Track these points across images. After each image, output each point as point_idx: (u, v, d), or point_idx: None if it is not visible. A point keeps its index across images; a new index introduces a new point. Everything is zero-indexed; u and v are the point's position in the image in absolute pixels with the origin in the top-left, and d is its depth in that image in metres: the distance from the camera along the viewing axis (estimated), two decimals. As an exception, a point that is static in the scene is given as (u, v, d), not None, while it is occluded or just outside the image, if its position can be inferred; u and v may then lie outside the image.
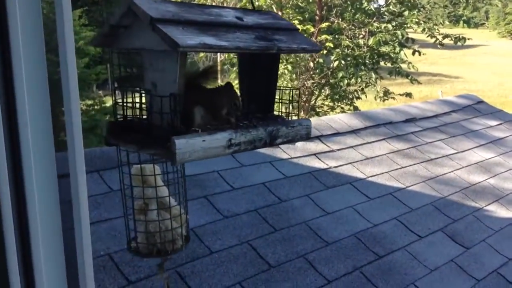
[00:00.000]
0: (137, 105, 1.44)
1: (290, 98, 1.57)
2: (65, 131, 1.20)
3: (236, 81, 1.57)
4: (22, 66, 1.12)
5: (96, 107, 14.43)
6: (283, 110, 1.59)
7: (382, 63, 11.21)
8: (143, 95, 1.42)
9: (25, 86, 1.13)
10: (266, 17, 1.55)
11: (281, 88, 1.61)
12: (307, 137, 1.57)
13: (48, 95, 1.17)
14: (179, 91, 1.28)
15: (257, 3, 10.73)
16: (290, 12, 10.92)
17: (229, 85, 1.46)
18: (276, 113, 1.60)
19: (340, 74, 10.47)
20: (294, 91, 1.60)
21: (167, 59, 1.28)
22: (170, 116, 1.27)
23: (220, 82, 1.50)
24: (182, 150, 1.21)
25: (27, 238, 1.15)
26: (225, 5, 12.25)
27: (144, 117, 1.44)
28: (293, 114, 1.56)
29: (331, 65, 11.08)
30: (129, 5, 1.26)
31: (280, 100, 1.60)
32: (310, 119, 1.89)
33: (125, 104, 1.43)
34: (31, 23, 1.14)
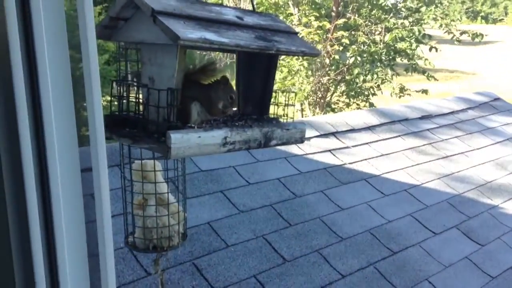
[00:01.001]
0: (133, 99, 1.44)
1: (286, 101, 1.57)
2: (87, 126, 1.24)
3: (234, 81, 1.57)
4: (47, 63, 1.16)
5: (116, 103, 14.50)
6: (277, 112, 1.58)
7: (398, 60, 11.12)
8: (138, 89, 1.42)
9: (49, 82, 1.17)
10: (266, 19, 1.55)
11: (278, 90, 1.60)
12: (301, 141, 1.56)
13: (71, 91, 1.21)
14: (177, 86, 1.28)
15: (273, 0, 10.72)
16: (307, 8, 10.89)
17: (224, 78, 1.46)
18: (272, 115, 1.59)
19: (356, 71, 10.42)
20: (289, 93, 1.59)
21: (166, 54, 1.28)
22: (167, 111, 1.28)
23: (214, 78, 1.50)
24: (177, 145, 1.21)
25: (52, 229, 1.19)
26: (241, 3, 12.24)
27: (139, 111, 1.45)
28: (287, 117, 1.55)
29: (347, 62, 11.03)
30: None
31: (276, 103, 1.59)
32: (326, 115, 1.90)
33: (119, 97, 1.43)
34: (54, 21, 1.17)
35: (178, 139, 1.21)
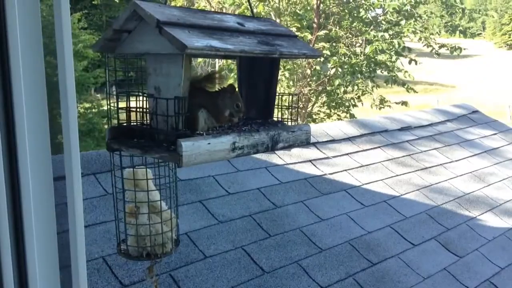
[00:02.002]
0: (139, 109, 1.45)
1: (289, 104, 1.59)
2: (62, 134, 1.21)
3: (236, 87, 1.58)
4: (20, 68, 1.13)
5: (93, 110, 14.43)
6: (282, 116, 1.60)
7: (378, 72, 11.25)
8: (144, 99, 1.43)
9: (23, 87, 1.14)
10: (266, 24, 1.58)
11: (281, 94, 1.62)
12: (307, 142, 1.59)
13: (45, 97, 1.18)
14: (184, 95, 1.30)
15: (255, 10, 10.78)
16: (288, 19, 10.97)
17: (231, 87, 1.48)
18: (275, 118, 1.62)
19: (337, 82, 10.51)
20: (292, 96, 1.62)
21: (171, 63, 1.30)
22: (175, 120, 1.29)
23: (220, 86, 1.52)
24: (188, 152, 1.22)
25: (22, 239, 1.15)
26: (224, 11, 12.29)
27: (146, 121, 1.46)
28: (292, 120, 1.58)
29: (328, 73, 11.12)
30: (134, 9, 1.27)
31: (279, 106, 1.61)
32: (306, 125, 1.91)
33: (126, 109, 1.45)
34: (30, 26, 1.15)
35: (189, 147, 1.23)
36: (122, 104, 1.44)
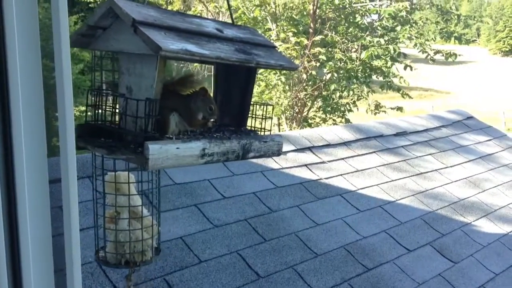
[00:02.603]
0: (109, 109, 1.42)
1: (264, 114, 1.57)
2: (57, 137, 1.20)
3: (212, 93, 1.57)
4: (18, 70, 1.13)
5: (89, 113, 14.36)
6: (254, 125, 1.58)
7: (374, 77, 11.28)
8: (114, 99, 1.40)
9: (20, 90, 1.13)
10: (245, 32, 1.56)
11: (255, 103, 1.60)
12: (278, 154, 1.56)
13: (42, 99, 1.18)
14: (156, 97, 1.27)
15: (252, 15, 10.81)
16: (285, 24, 10.99)
17: (203, 89, 1.45)
18: (248, 127, 1.60)
19: (333, 87, 10.53)
20: (267, 107, 1.60)
21: (145, 64, 1.27)
22: (144, 121, 1.26)
23: (192, 89, 1.49)
24: (156, 156, 1.20)
25: (17, 242, 1.15)
26: (221, 16, 12.30)
27: (115, 121, 1.43)
28: (265, 130, 1.56)
29: (324, 78, 11.15)
30: (110, 6, 1.24)
31: (254, 115, 1.59)
32: (302, 130, 1.91)
33: (94, 106, 1.41)
34: (27, 28, 1.15)
35: (156, 150, 1.20)
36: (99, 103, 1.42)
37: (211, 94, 1.52)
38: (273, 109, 1.83)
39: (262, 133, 1.55)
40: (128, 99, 1.31)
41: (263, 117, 1.57)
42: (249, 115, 1.60)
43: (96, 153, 1.42)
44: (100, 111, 1.43)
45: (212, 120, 1.47)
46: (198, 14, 10.53)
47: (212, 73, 1.64)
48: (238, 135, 1.46)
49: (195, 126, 1.43)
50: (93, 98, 1.43)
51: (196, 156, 1.29)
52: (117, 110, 1.43)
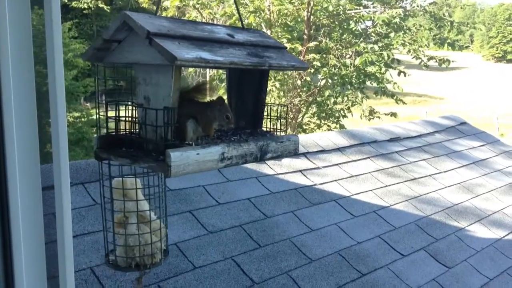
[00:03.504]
0: (128, 119, 1.44)
1: (278, 115, 1.61)
2: (50, 143, 1.20)
3: (225, 97, 1.60)
4: (10, 77, 1.13)
5: (83, 119, 14.38)
6: (271, 126, 1.62)
7: (368, 83, 11.33)
8: (133, 109, 1.43)
9: (12, 96, 1.13)
10: (255, 35, 1.59)
11: (269, 104, 1.63)
12: (295, 153, 1.60)
13: (35, 106, 1.18)
14: (173, 105, 1.30)
15: (246, 21, 10.83)
16: (279, 30, 11.03)
17: (220, 99, 1.49)
18: (264, 129, 1.63)
19: (327, 93, 10.56)
20: (282, 107, 1.63)
21: (161, 74, 1.30)
22: (164, 130, 1.29)
23: (209, 98, 1.53)
24: (177, 163, 1.22)
25: (10, 249, 1.14)
26: (215, 22, 12.33)
27: (134, 131, 1.45)
28: (281, 130, 1.59)
29: (318, 84, 11.18)
30: (125, 20, 1.27)
31: (269, 117, 1.62)
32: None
33: (115, 118, 1.44)
34: (20, 34, 1.15)
35: (178, 157, 1.23)
36: (111, 113, 1.44)
37: (225, 98, 1.54)
38: (287, 110, 1.87)
39: (278, 134, 1.59)
40: (147, 109, 1.34)
41: (277, 118, 1.60)
42: (264, 116, 1.63)
43: (121, 163, 1.43)
44: (119, 121, 1.44)
45: (230, 127, 1.50)
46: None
47: (225, 76, 1.67)
48: (255, 137, 1.49)
49: (210, 133, 1.46)
50: (109, 108, 1.44)
51: (216, 161, 1.33)
52: (134, 120, 1.44)
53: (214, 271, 2.35)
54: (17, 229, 1.14)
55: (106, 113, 1.42)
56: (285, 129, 1.60)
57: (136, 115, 1.42)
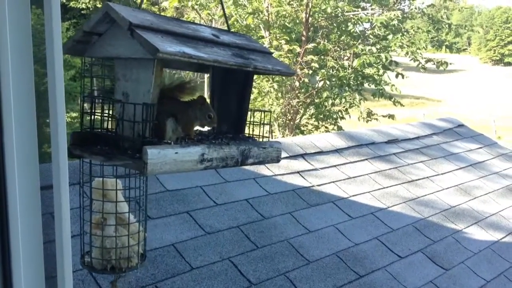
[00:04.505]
0: (105, 116, 1.41)
1: (262, 121, 1.57)
2: (48, 143, 1.20)
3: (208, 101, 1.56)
4: (10, 76, 1.13)
5: (85, 119, 14.33)
6: (253, 132, 1.58)
7: (366, 85, 11.36)
8: (109, 106, 1.40)
9: (12, 96, 1.13)
10: (241, 38, 1.57)
11: (253, 109, 1.60)
12: (278, 160, 1.56)
13: (34, 105, 1.17)
14: (153, 102, 1.26)
15: (245, 22, 10.84)
16: (277, 32, 11.04)
17: (202, 98, 1.46)
18: (246, 134, 1.59)
19: (325, 94, 10.57)
20: (265, 113, 1.59)
21: (142, 69, 1.27)
22: (142, 127, 1.25)
23: (190, 97, 1.49)
24: (154, 161, 1.18)
25: (8, 248, 1.14)
26: (213, 23, 12.33)
27: (111, 128, 1.42)
28: (264, 136, 1.55)
29: (316, 85, 11.19)
30: (107, 11, 1.24)
31: (252, 122, 1.59)
32: (294, 137, 1.91)
33: (92, 114, 1.40)
34: (20, 34, 1.14)
35: (155, 155, 1.18)
36: (98, 111, 1.41)
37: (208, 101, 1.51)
38: (270, 115, 1.82)
39: (261, 140, 1.55)
40: (125, 104, 1.30)
41: (261, 123, 1.56)
42: (247, 121, 1.59)
43: (93, 161, 1.41)
44: (94, 117, 1.42)
45: (210, 128, 1.47)
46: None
47: (206, 79, 1.64)
48: (237, 141, 1.45)
49: (190, 133, 1.43)
50: (84, 105, 1.43)
51: (195, 162, 1.28)
52: (112, 117, 1.42)
53: (212, 272, 2.35)
54: (16, 229, 1.14)
55: (82, 109, 1.40)
56: (268, 135, 1.57)
57: (114, 112, 1.38)
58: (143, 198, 1.58)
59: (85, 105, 1.45)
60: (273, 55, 1.63)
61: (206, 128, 1.51)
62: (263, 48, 1.60)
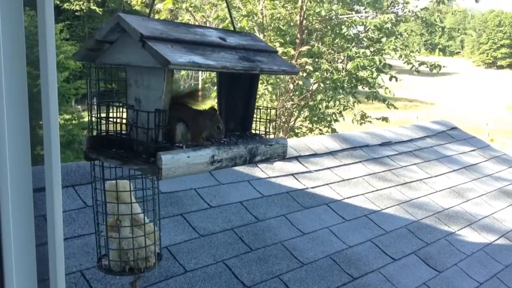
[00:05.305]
0: (119, 120, 1.44)
1: (268, 118, 1.61)
2: (41, 145, 1.19)
3: (216, 100, 1.60)
4: (3, 78, 1.12)
5: (74, 121, 14.34)
6: (259, 129, 1.62)
7: (360, 88, 11.39)
8: (122, 110, 1.42)
9: (4, 98, 1.13)
10: (247, 39, 1.60)
11: (259, 107, 1.64)
12: (284, 156, 1.61)
13: (27, 107, 1.17)
14: (164, 108, 1.30)
15: (239, 25, 10.84)
16: (272, 34, 11.05)
17: (213, 109, 1.50)
18: (253, 131, 1.64)
19: (319, 97, 10.59)
20: (271, 110, 1.64)
21: (153, 76, 1.30)
22: (155, 132, 1.29)
23: (202, 106, 1.53)
24: (168, 165, 1.23)
25: (0, 251, 1.13)
26: (208, 25, 12.33)
27: (125, 132, 1.45)
28: (270, 133, 1.60)
29: (311, 88, 11.21)
30: (118, 21, 1.27)
31: (258, 120, 1.63)
32: (289, 139, 1.93)
33: (106, 119, 1.43)
34: (12, 36, 1.14)
35: (169, 160, 1.23)
36: (103, 115, 1.43)
37: (215, 100, 1.55)
38: (276, 112, 1.89)
39: (267, 137, 1.60)
40: (138, 111, 1.34)
41: (267, 121, 1.61)
42: (254, 119, 1.64)
43: (111, 164, 1.43)
44: (108, 122, 1.44)
45: (217, 139, 1.50)
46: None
47: (216, 79, 1.68)
48: (244, 140, 1.51)
49: (199, 141, 1.46)
50: (100, 109, 1.43)
51: (206, 163, 1.33)
52: (125, 121, 1.44)
53: (206, 275, 2.35)
54: (8, 231, 1.13)
55: (98, 114, 1.42)
56: (274, 132, 1.61)
57: (127, 117, 1.41)
58: (155, 197, 1.61)
59: (93, 107, 1.46)
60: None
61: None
62: (268, 47, 1.63)
